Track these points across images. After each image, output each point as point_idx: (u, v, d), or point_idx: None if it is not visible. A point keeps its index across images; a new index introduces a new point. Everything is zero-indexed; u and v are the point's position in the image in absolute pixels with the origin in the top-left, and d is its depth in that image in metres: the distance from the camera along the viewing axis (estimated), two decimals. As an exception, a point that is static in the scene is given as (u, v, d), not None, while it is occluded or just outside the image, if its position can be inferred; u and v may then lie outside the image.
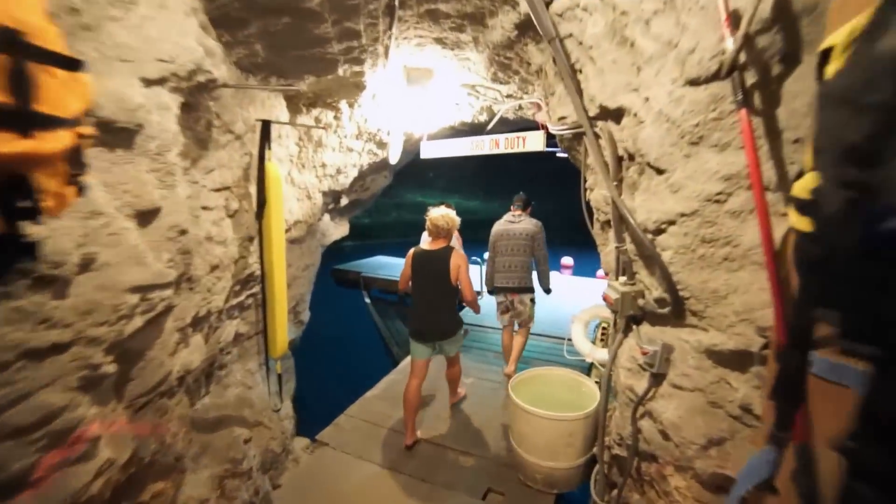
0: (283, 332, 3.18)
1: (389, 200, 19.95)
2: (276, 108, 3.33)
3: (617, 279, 2.13)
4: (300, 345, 4.86)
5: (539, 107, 3.70)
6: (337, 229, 5.35)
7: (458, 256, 3.31)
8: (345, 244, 19.68)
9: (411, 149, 5.02)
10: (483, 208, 22.54)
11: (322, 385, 6.50)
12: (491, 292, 4.47)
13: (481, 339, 6.25)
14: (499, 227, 4.43)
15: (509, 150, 3.73)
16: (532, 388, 3.38)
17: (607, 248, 2.34)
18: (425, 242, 3.51)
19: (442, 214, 3.40)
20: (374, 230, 19.88)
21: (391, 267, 10.69)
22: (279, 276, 3.07)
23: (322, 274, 4.87)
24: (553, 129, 2.70)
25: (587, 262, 13.95)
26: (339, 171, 4.30)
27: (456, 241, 4.79)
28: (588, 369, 4.39)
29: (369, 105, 4.03)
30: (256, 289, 3.28)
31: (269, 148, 3.02)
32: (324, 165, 4.08)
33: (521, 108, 4.09)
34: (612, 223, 2.13)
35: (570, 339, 4.14)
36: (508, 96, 3.95)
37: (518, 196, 4.53)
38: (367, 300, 9.69)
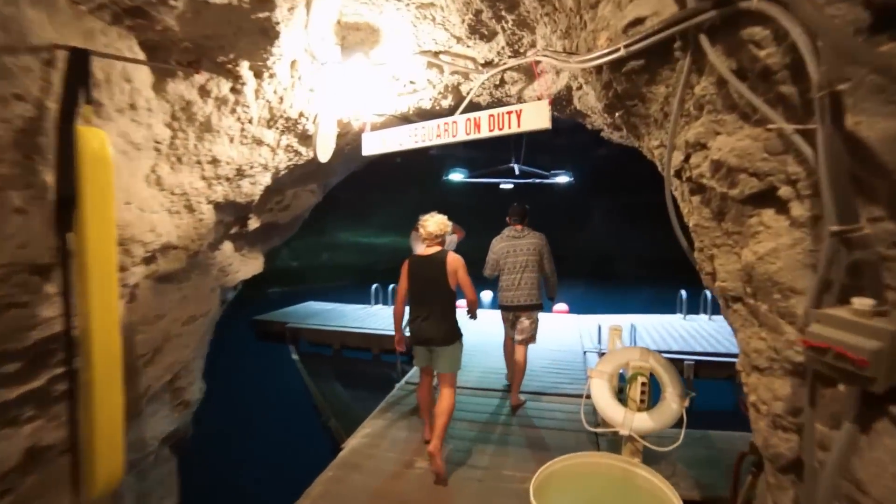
0: (116, 449, 1.67)
1: (319, 240, 18.16)
2: (123, 54, 1.96)
3: (844, 304, 0.98)
4: (193, 434, 3.25)
5: (538, 74, 2.65)
6: (245, 265, 3.85)
7: (454, 258, 3.24)
8: (271, 291, 17.60)
9: (350, 149, 3.76)
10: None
11: (230, 488, 4.69)
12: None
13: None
14: (501, 243, 4.16)
15: (495, 133, 2.60)
16: (566, 494, 2.10)
17: (770, 243, 1.19)
18: (419, 249, 3.41)
19: (434, 220, 3.32)
20: (304, 274, 17.89)
21: (325, 315, 9.07)
22: (105, 338, 1.61)
23: (237, 327, 3.37)
24: (604, 58, 1.58)
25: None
26: (241, 174, 2.91)
27: (455, 238, 4.54)
28: (614, 444, 3.22)
29: (286, 76, 2.76)
30: (73, 362, 1.76)
31: (90, 101, 1.65)
32: (215, 162, 2.69)
33: (503, 82, 3.01)
34: (818, 185, 0.99)
35: (588, 397, 2.96)
36: (487, 64, 2.87)
37: (515, 208, 4.20)
38: (296, 356, 7.95)
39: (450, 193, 18.21)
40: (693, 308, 8.50)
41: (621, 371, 2.99)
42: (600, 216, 19.76)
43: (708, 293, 8.27)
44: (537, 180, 12.12)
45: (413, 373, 5.41)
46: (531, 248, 4.03)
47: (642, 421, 2.65)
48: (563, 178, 11.58)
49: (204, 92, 2.47)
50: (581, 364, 5.85)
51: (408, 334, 3.39)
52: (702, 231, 1.50)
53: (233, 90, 2.60)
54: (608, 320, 7.49)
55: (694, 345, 6.74)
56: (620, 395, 2.95)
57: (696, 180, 1.43)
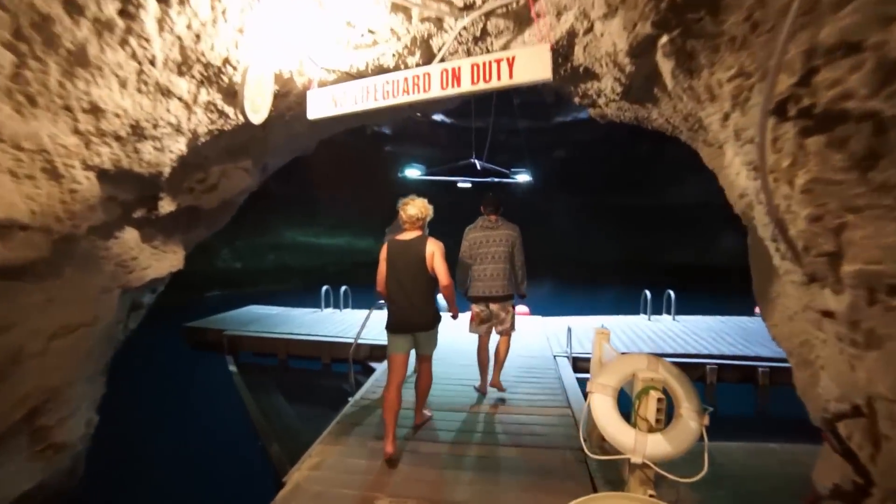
0: None
1: (265, 240, 16.90)
2: None
3: None
4: (87, 479, 2.48)
5: (535, 16, 2.11)
6: (159, 260, 3.07)
7: (433, 244, 3.22)
8: (210, 295, 16.12)
9: (294, 116, 3.07)
10: (377, 248, 20.63)
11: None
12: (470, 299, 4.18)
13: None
14: (474, 233, 4.11)
15: (481, 87, 2.04)
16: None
17: None
18: (398, 234, 3.36)
19: (416, 203, 3.37)
20: (248, 277, 16.56)
21: (268, 321, 8.16)
22: None
23: (166, 336, 2.62)
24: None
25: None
26: (139, 133, 2.17)
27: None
28: (607, 468, 2.73)
29: (205, 8, 2.07)
30: None
31: None
32: (96, 112, 1.95)
33: (484, 34, 2.45)
34: None
35: (585, 413, 2.45)
36: (467, 7, 2.31)
37: (489, 198, 4.16)
38: (233, 368, 7.02)
39: (405, 191, 17.53)
40: (656, 309, 8.37)
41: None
42: (560, 217, 19.79)
43: (671, 293, 8.17)
44: (496, 179, 11.78)
45: (369, 386, 4.74)
46: (505, 240, 4.00)
47: (658, 445, 2.18)
48: (523, 177, 11.27)
49: (73, 6, 1.73)
50: (553, 371, 5.41)
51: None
52: (824, 189, 0.99)
53: (123, 13, 1.88)
54: (576, 322, 7.16)
55: (664, 346, 6.51)
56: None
57: (826, 108, 0.92)
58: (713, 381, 5.99)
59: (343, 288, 9.06)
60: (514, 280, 4.09)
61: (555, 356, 6.04)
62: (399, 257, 3.21)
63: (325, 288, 9.04)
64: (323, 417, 4.07)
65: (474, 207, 4.30)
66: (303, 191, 16.52)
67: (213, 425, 5.92)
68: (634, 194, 18.83)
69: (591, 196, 19.38)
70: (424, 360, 3.42)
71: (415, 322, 3.22)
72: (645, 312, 8.39)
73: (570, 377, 5.15)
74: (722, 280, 18.37)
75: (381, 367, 5.50)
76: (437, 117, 16.91)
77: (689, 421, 2.21)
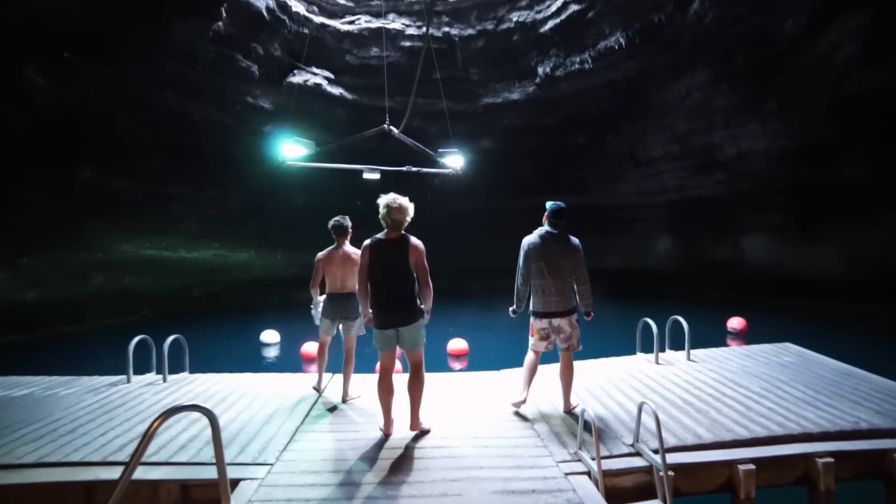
0: None
1: (83, 256, 11.94)
2: None
3: None
4: None
5: None
6: None
7: (417, 244, 3.47)
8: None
9: None
10: (258, 262, 16.34)
11: None
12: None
13: None
14: (537, 245, 4.02)
15: None
16: None
17: None
18: (381, 233, 3.55)
19: (399, 206, 3.49)
20: (55, 312, 11.47)
21: (31, 409, 4.19)
22: None
23: None
24: None
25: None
26: None
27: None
28: None
29: None
30: None
31: None
32: None
33: None
34: None
35: None
36: None
37: (558, 207, 4.07)
38: None
39: (288, 185, 13.70)
40: (647, 345, 5.90)
41: None
42: (485, 219, 17.31)
43: (683, 321, 5.75)
44: (414, 168, 8.71)
45: None
46: (572, 255, 4.00)
47: None
48: (455, 161, 8.30)
49: None
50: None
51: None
52: None
53: None
54: (547, 373, 4.45)
55: (726, 422, 3.92)
56: None
57: None
58: (829, 483, 3.49)
59: (170, 339, 5.33)
60: (578, 295, 4.09)
61: (566, 474, 3.14)
62: (382, 256, 3.43)
63: (134, 342, 5.23)
64: None
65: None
66: (141, 187, 11.99)
67: None
68: (569, 193, 17.10)
69: (520, 197, 17.27)
70: (414, 359, 3.62)
71: (396, 316, 3.46)
72: (649, 350, 5.89)
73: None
74: (656, 285, 17.52)
75: None
76: (336, 90, 13.45)
77: None
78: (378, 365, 3.74)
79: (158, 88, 10.53)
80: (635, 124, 14.42)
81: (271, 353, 9.36)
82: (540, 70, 13.47)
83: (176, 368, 5.51)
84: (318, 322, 4.69)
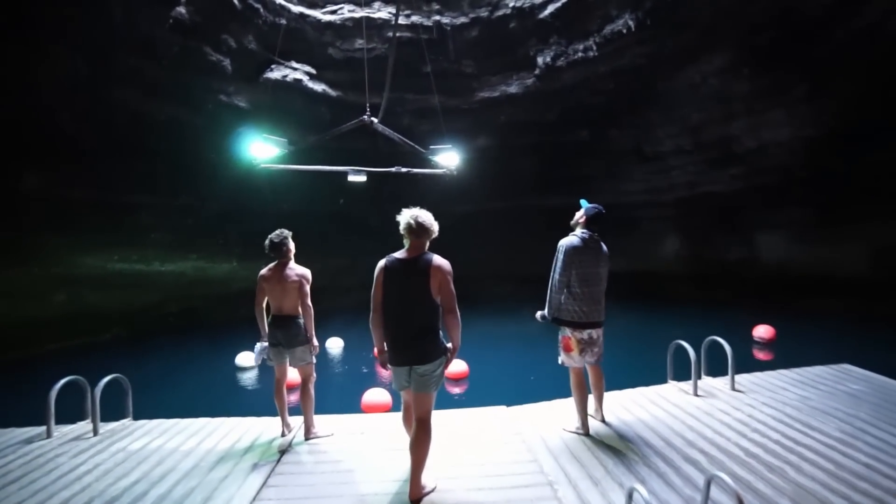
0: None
1: (40, 273, 10.86)
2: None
3: None
4: None
5: None
6: None
7: (440, 265, 2.95)
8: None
9: None
10: (241, 273, 15.28)
11: None
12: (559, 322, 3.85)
13: None
14: (580, 250, 3.76)
15: None
16: None
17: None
18: (400, 251, 3.08)
19: (419, 223, 2.98)
20: (6, 335, 10.35)
21: None
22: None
23: None
24: None
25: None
26: None
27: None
28: None
29: None
30: None
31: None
32: None
33: None
34: None
35: None
36: None
37: (599, 211, 3.87)
38: None
39: (271, 191, 12.73)
40: (678, 370, 5.01)
41: None
42: (483, 222, 16.41)
43: (724, 342, 4.83)
44: (403, 169, 7.79)
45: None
46: (605, 260, 3.90)
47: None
48: (450, 159, 7.42)
49: None
50: None
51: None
52: None
53: None
54: (557, 409, 3.64)
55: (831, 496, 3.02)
56: None
57: None
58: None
59: (103, 382, 4.37)
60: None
61: None
62: (398, 279, 2.96)
63: (58, 385, 4.27)
64: None
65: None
66: (111, 195, 10.98)
67: None
68: (570, 193, 16.17)
69: (519, 197, 16.37)
70: (420, 412, 3.00)
71: (412, 352, 2.96)
72: (683, 378, 4.98)
73: None
74: (664, 287, 16.65)
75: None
76: (318, 87, 12.52)
77: None
78: (403, 407, 3.32)
79: (112, 84, 9.45)
80: (642, 117, 13.56)
81: (248, 379, 8.38)
82: (539, 60, 12.57)
83: (116, 413, 4.56)
84: (253, 363, 4.15)
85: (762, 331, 9.26)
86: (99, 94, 9.34)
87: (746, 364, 5.11)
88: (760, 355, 8.82)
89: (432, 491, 3.16)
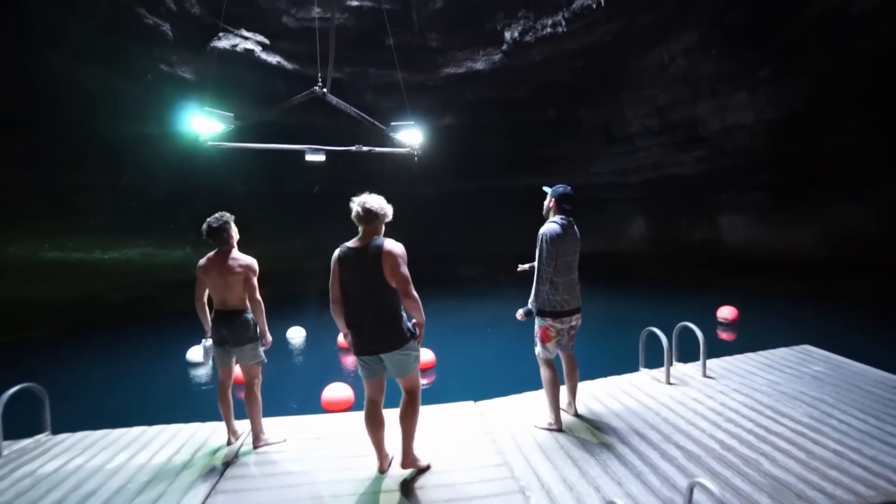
0: None
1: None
2: None
3: None
4: None
5: None
6: None
7: (391, 248, 2.90)
8: None
9: None
10: (196, 260, 14.38)
11: None
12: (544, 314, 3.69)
13: None
14: (560, 237, 3.60)
15: None
16: None
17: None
18: (352, 240, 3.03)
19: (367, 208, 2.92)
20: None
21: None
22: None
23: None
24: None
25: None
26: None
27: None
28: None
29: None
30: None
31: None
32: None
33: None
34: None
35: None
36: None
37: (568, 191, 3.72)
38: None
39: (226, 171, 11.84)
40: (651, 357, 4.93)
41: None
42: (451, 204, 16.06)
43: (696, 329, 4.74)
44: (364, 148, 7.25)
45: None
46: (578, 243, 3.77)
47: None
48: (412, 136, 7.00)
49: None
50: None
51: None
52: None
53: None
54: (524, 403, 3.50)
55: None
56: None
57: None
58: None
59: (9, 392, 3.83)
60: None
61: None
62: (353, 267, 2.93)
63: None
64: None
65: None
66: (38, 173, 9.95)
67: None
68: (538, 174, 15.98)
69: (487, 178, 16.07)
70: (407, 386, 3.08)
71: (375, 341, 2.94)
72: (655, 365, 4.88)
73: None
74: (630, 268, 16.90)
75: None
76: (272, 58, 11.71)
77: None
78: (365, 397, 3.20)
79: (27, 43, 8.33)
80: (611, 97, 13.43)
81: (199, 376, 7.84)
82: (507, 35, 12.17)
83: (31, 428, 4.03)
84: (201, 359, 3.84)
85: (726, 312, 9.42)
86: (14, 58, 8.28)
87: (713, 346, 5.06)
88: (724, 335, 8.98)
89: (426, 469, 3.19)
